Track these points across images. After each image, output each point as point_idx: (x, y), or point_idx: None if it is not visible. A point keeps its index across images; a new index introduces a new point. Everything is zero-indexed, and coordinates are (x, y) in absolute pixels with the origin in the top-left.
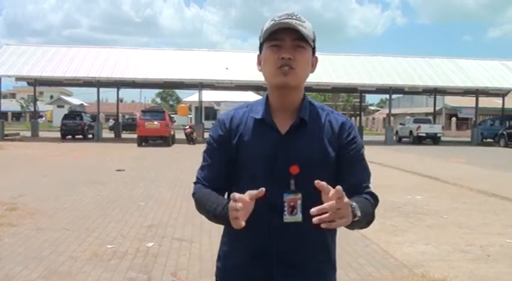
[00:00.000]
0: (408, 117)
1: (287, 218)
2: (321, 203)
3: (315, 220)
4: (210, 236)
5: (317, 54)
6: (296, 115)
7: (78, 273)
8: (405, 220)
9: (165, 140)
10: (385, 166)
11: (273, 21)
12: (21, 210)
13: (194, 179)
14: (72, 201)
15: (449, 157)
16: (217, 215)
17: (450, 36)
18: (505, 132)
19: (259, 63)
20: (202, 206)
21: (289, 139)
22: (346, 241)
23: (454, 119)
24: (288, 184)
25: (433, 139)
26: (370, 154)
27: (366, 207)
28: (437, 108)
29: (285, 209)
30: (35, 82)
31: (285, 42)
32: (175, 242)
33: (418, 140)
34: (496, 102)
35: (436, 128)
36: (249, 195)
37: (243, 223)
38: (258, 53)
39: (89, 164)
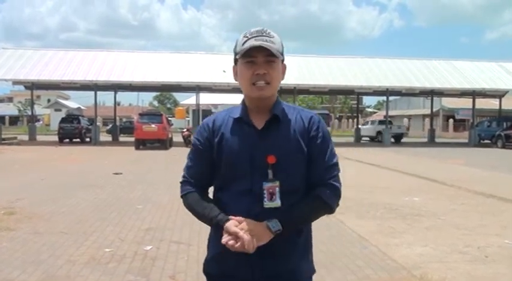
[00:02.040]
0: (367, 120)
1: (267, 204)
2: (296, 189)
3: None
4: None
5: (314, 56)
6: (270, 113)
7: (76, 277)
8: (403, 222)
9: (162, 143)
10: (383, 167)
11: (245, 38)
12: (19, 214)
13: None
14: (70, 205)
15: (446, 158)
16: (207, 220)
17: (447, 38)
18: (502, 134)
19: (235, 74)
20: (191, 209)
21: (265, 133)
22: (343, 243)
23: (451, 120)
24: (267, 173)
25: (398, 138)
26: (367, 156)
27: (303, 211)
28: (434, 109)
29: (265, 196)
30: (32, 86)
31: (258, 58)
32: (173, 245)
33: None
34: (493, 104)
35: (402, 129)
36: (234, 224)
37: (237, 249)
38: (233, 64)
39: (86, 168)
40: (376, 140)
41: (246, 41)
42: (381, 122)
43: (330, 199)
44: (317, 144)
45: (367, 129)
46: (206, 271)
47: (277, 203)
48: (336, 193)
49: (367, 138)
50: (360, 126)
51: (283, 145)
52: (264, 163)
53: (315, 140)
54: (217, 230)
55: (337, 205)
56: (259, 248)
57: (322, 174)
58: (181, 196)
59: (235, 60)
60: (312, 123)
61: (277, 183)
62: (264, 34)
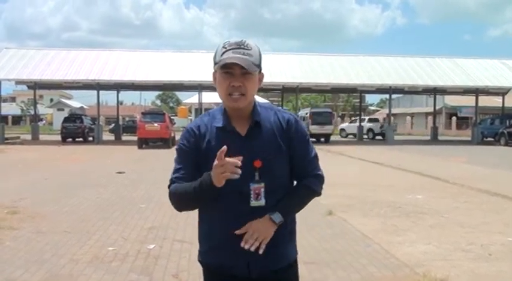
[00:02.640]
0: (353, 118)
1: (253, 203)
2: (279, 187)
3: (246, 247)
4: None
5: (317, 54)
6: (251, 119)
7: (80, 276)
8: (406, 220)
9: (165, 142)
10: (386, 166)
11: (224, 49)
12: (22, 213)
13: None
14: (73, 204)
15: (449, 156)
16: (197, 189)
17: (450, 35)
18: (505, 131)
19: (214, 80)
20: (180, 194)
21: (249, 139)
22: (347, 242)
23: (454, 118)
24: (253, 175)
25: (383, 135)
26: (370, 154)
27: (295, 200)
28: (437, 107)
29: (251, 195)
30: (35, 85)
31: (235, 70)
32: (176, 244)
33: (373, 136)
34: (496, 101)
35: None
36: (219, 156)
37: (234, 176)
38: (213, 71)
39: (89, 167)
40: (368, 138)
41: (224, 52)
42: (370, 120)
43: (317, 187)
44: (298, 143)
45: (353, 127)
46: (204, 262)
47: (261, 202)
48: (321, 180)
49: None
50: (344, 124)
51: (267, 149)
52: (251, 167)
53: (295, 140)
54: (206, 218)
55: (322, 188)
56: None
57: (306, 167)
58: (169, 194)
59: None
60: (290, 125)
61: (263, 184)
62: (242, 46)
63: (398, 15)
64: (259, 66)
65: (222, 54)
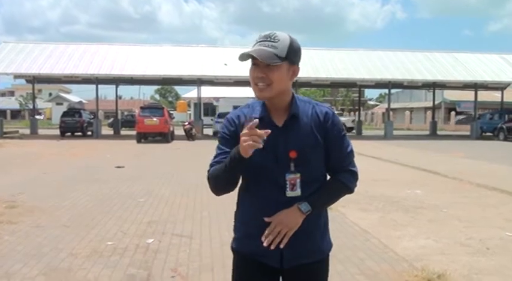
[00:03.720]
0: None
1: (289, 193)
2: (314, 179)
3: (265, 244)
4: (210, 231)
5: (316, 49)
6: (288, 111)
7: (79, 270)
8: (405, 214)
9: (164, 136)
10: (385, 160)
11: (255, 42)
12: (21, 207)
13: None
14: (72, 198)
15: (448, 151)
16: (227, 164)
17: (449, 30)
18: (504, 126)
19: None
20: (215, 175)
21: (286, 131)
22: (346, 236)
23: (453, 113)
24: (289, 166)
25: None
26: (369, 148)
27: (327, 193)
28: (436, 102)
29: (287, 186)
30: (34, 79)
31: (258, 62)
32: (175, 238)
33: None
34: (495, 96)
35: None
36: (251, 125)
37: (257, 145)
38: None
39: (88, 161)
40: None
41: (254, 45)
42: (339, 115)
43: (350, 182)
44: (334, 136)
45: None
46: (236, 249)
47: (297, 192)
48: (355, 177)
49: None
50: None
51: (303, 140)
52: (287, 157)
53: (331, 134)
54: (244, 206)
55: (356, 185)
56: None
57: (342, 162)
58: (207, 178)
59: None
60: (327, 118)
61: (298, 175)
62: (269, 39)
63: (399, 9)
64: (286, 58)
65: (253, 47)
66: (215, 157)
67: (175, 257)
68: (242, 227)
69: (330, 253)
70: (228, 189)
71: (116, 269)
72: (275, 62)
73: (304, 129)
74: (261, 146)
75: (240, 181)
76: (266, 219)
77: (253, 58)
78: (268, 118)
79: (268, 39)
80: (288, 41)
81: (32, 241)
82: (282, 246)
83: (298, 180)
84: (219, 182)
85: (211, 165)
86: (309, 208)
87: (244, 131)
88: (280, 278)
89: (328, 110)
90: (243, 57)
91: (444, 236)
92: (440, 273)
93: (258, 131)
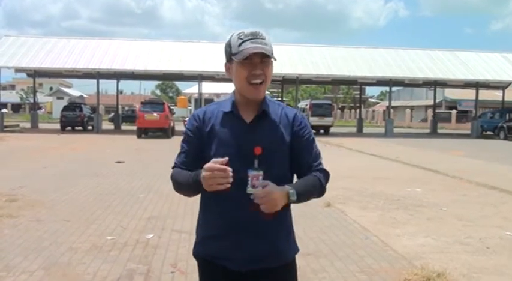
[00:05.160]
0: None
1: (249, 190)
2: (278, 178)
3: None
4: None
5: (317, 46)
6: (258, 108)
7: (78, 264)
8: (405, 212)
9: (164, 132)
10: (385, 158)
11: (240, 40)
12: (21, 201)
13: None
14: (72, 193)
15: (449, 149)
16: (191, 183)
17: (451, 28)
18: (504, 125)
19: (227, 70)
20: (179, 182)
21: (254, 127)
22: (345, 234)
23: (454, 111)
24: (253, 162)
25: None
26: (369, 146)
27: (309, 185)
28: (437, 100)
29: (249, 183)
30: (35, 74)
31: (254, 60)
32: (175, 233)
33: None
34: (496, 95)
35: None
36: (214, 162)
37: (220, 187)
38: (226, 62)
39: (88, 156)
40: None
41: (241, 43)
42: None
43: (325, 182)
44: (303, 137)
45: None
46: (196, 254)
47: (258, 190)
48: (327, 176)
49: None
50: None
51: (269, 138)
52: (251, 153)
53: (301, 135)
54: (204, 206)
55: (326, 186)
56: (249, 230)
57: (311, 162)
58: (170, 176)
59: (229, 59)
60: (296, 119)
61: (261, 172)
62: (258, 36)
63: (401, 7)
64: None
65: (239, 45)
66: (178, 155)
67: (175, 253)
68: (202, 230)
69: (328, 250)
70: (190, 196)
71: (116, 264)
72: (273, 58)
73: (272, 128)
74: (228, 186)
75: None
76: (263, 182)
77: (247, 57)
78: (236, 113)
79: (258, 37)
80: (268, 36)
81: (32, 235)
82: (251, 209)
83: (260, 177)
84: (181, 190)
85: (175, 164)
86: (295, 197)
87: (205, 173)
88: None
89: (297, 112)
90: (244, 54)
91: (444, 235)
92: (440, 272)
93: (220, 167)
